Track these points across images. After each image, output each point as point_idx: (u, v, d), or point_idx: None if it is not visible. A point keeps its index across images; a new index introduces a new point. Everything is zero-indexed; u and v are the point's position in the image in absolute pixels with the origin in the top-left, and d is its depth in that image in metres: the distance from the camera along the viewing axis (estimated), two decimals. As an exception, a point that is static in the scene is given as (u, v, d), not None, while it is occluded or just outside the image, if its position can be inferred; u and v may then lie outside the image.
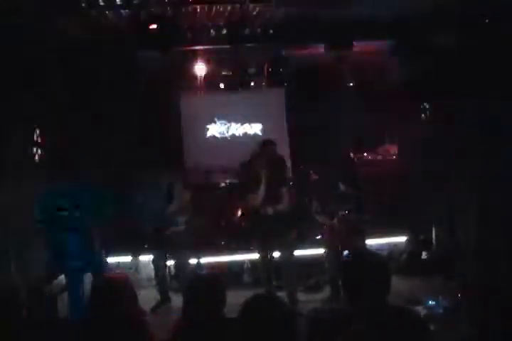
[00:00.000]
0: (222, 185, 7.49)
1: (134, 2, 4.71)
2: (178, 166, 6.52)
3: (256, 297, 2.32)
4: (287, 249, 5.36)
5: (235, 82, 7.74)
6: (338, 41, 6.20)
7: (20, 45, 4.89)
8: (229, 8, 5.09)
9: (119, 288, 2.72)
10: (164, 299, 5.43)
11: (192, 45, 6.12)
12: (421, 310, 4.37)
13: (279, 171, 5.36)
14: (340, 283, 5.01)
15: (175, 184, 5.44)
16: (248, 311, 2.21)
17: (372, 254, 2.57)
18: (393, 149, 7.95)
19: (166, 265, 5.60)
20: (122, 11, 4.89)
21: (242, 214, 6.83)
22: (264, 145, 5.37)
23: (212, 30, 5.75)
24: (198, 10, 5.11)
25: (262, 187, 5.20)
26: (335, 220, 5.28)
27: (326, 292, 5.62)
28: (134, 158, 7.12)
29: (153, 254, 5.59)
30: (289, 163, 6.64)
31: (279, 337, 2.13)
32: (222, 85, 7.79)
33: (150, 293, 5.51)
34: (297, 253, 5.57)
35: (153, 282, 5.76)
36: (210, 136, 8.33)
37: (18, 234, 5.28)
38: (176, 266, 5.72)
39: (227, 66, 7.56)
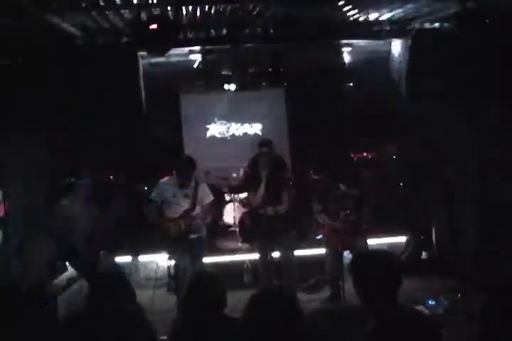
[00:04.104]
0: (222, 185, 7.49)
1: (134, 2, 4.70)
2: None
3: (262, 292, 2.30)
4: (287, 249, 5.36)
5: (235, 82, 7.74)
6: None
7: (20, 45, 4.89)
8: (229, 8, 5.08)
9: (115, 285, 2.72)
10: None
11: (192, 45, 6.11)
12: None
13: (279, 171, 5.36)
14: (340, 283, 5.09)
15: (200, 184, 5.17)
16: (254, 306, 2.20)
17: (385, 253, 2.54)
18: (393, 149, 7.95)
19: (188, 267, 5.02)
20: (122, 10, 4.88)
21: (243, 214, 6.83)
22: (260, 147, 5.32)
23: (212, 30, 5.74)
24: (198, 10, 5.10)
25: (262, 188, 5.21)
26: (335, 220, 5.28)
27: (326, 292, 5.62)
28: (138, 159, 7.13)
29: (175, 255, 5.13)
30: (289, 163, 6.63)
31: (284, 331, 2.11)
32: (222, 85, 7.78)
33: (149, 292, 5.51)
34: (297, 253, 5.58)
35: (153, 282, 5.77)
36: (210, 136, 8.35)
37: (18, 234, 5.29)
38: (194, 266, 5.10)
39: (227, 66, 7.54)
